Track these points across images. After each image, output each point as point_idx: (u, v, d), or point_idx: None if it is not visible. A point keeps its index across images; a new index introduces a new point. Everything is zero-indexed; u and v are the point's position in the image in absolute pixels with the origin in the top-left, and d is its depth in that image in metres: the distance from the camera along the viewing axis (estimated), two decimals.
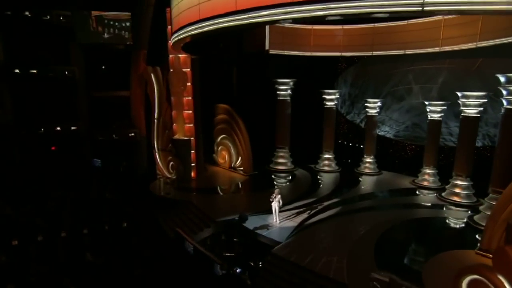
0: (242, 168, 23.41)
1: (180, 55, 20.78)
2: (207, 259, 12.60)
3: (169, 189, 19.20)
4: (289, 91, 23.75)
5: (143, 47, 24.42)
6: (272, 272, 11.98)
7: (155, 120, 21.43)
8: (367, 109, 23.74)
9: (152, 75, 21.25)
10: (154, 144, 21.57)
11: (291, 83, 23.57)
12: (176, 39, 16.10)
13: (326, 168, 24.61)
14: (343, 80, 27.29)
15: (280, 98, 23.88)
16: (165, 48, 20.81)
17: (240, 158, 23.54)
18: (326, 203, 17.17)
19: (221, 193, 19.69)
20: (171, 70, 20.98)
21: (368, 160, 24.12)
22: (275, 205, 15.04)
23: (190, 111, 21.66)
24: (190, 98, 21.52)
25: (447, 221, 16.01)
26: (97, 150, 24.41)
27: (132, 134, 24.97)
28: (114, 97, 24.77)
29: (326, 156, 24.92)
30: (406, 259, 12.58)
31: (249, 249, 13.29)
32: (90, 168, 24.01)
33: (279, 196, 15.16)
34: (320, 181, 22.13)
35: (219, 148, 24.65)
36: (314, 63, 26.03)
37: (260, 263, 12.12)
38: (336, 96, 24.32)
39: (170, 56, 20.98)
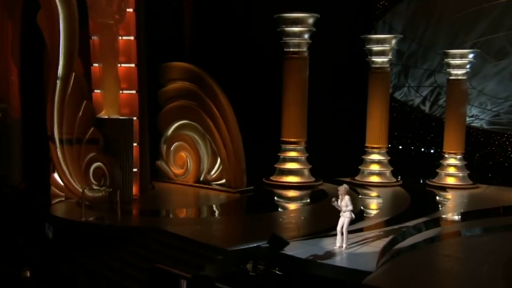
0: (224, 182, 23.46)
1: None
2: None
3: (102, 213, 18.79)
4: (306, 37, 24.21)
5: None
6: None
7: (57, 83, 20.45)
8: (448, 70, 24.79)
9: None
10: (52, 130, 20.69)
11: (311, 22, 24.03)
12: None
13: (375, 180, 25.41)
14: (386, 27, 28.83)
15: (290, 50, 24.18)
16: None
17: (219, 163, 23.60)
18: (410, 224, 18.46)
19: (207, 216, 20.65)
20: None
21: (451, 162, 25.16)
22: (344, 218, 15.22)
23: (132, 65, 21.46)
24: (131, 38, 21.37)
25: None
26: None
27: None
28: None
29: (375, 158, 25.66)
30: None
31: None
32: None
33: (348, 198, 15.12)
34: (376, 198, 23.18)
35: (172, 147, 24.41)
36: None
37: None
38: (392, 45, 25.02)
39: None
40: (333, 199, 15.64)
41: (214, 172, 24.00)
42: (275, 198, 23.41)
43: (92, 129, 20.62)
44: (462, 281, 13.70)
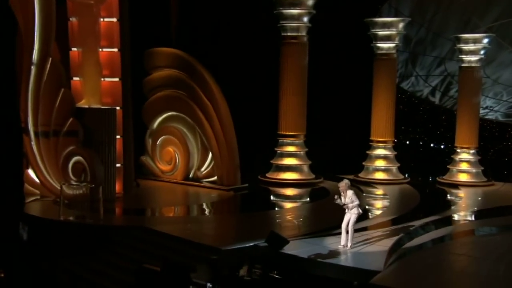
0: (216, 179, 23.52)
1: None
2: None
3: (83, 211, 18.80)
4: (305, 20, 24.24)
5: None
6: None
7: (32, 69, 20.43)
8: (460, 56, 24.89)
9: None
10: (26, 122, 20.53)
11: (310, 3, 23.94)
12: None
13: (381, 177, 25.53)
14: (392, 11, 28.96)
15: (288, 35, 24.25)
16: None
17: (210, 159, 23.64)
18: (420, 222, 18.63)
19: (198, 214, 20.81)
20: None
21: (464, 158, 25.25)
22: (350, 215, 15.32)
23: (114, 50, 21.44)
24: (114, 20, 21.29)
25: None
26: None
27: None
28: None
29: (380, 153, 25.76)
30: None
31: None
32: None
33: (352, 193, 15.22)
34: (383, 196, 23.31)
35: (158, 142, 24.44)
36: None
37: None
38: (399, 29, 25.16)
39: None
40: (336, 197, 15.64)
41: (204, 169, 24.02)
42: (272, 196, 23.47)
43: (70, 120, 20.48)
44: (476, 280, 13.93)
